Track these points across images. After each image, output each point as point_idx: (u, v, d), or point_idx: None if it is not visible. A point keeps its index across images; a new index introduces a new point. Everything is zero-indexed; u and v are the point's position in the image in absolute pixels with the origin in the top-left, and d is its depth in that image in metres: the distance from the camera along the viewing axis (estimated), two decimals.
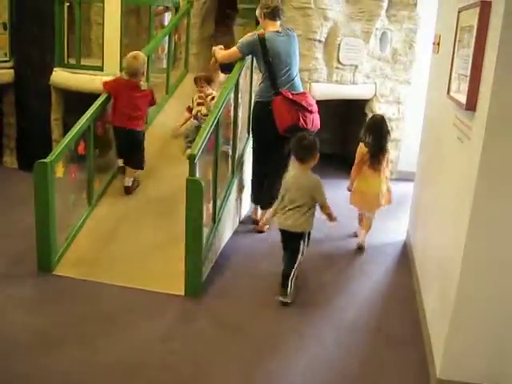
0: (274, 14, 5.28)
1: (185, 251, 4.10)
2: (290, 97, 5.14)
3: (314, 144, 4.20)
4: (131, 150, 5.36)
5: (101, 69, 6.77)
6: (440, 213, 3.82)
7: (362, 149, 5.17)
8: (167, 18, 8.07)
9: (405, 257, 5.17)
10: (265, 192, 5.54)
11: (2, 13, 7.48)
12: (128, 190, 5.36)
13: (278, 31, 5.26)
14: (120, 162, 5.58)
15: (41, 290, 4.22)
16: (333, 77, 6.96)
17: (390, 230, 5.83)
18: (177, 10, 7.12)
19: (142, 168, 5.49)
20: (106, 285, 4.23)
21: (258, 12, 5.39)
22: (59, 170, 4.40)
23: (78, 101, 6.51)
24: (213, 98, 5.67)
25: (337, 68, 6.97)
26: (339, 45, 6.89)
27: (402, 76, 7.61)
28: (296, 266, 4.22)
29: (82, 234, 4.82)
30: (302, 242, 4.25)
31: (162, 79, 6.73)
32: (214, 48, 5.66)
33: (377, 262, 5.06)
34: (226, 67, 5.49)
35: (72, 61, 7.12)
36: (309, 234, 4.36)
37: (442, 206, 3.78)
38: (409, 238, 5.40)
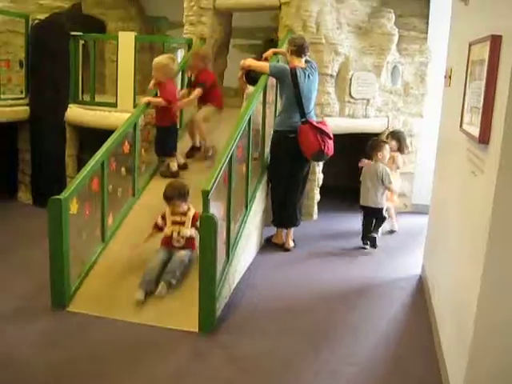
0: (299, 51, 5.70)
1: (198, 287, 4.07)
2: (317, 125, 5.67)
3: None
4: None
5: (115, 105, 6.86)
6: (455, 248, 3.78)
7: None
8: (180, 54, 8.19)
9: (420, 291, 5.10)
10: (290, 214, 5.96)
11: (18, 51, 7.64)
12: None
13: (304, 68, 5.69)
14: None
15: (55, 326, 4.19)
16: (345, 111, 7.00)
17: (406, 263, 5.77)
18: (189, 46, 7.20)
19: None
20: (119, 321, 4.20)
21: (285, 47, 5.94)
22: (73, 207, 4.41)
23: (92, 137, 6.59)
24: (195, 218, 4.65)
25: (349, 102, 7.01)
26: (351, 79, 6.95)
27: (414, 109, 7.63)
28: None
29: (95, 271, 4.81)
30: None
31: None
32: (242, 61, 5.98)
33: (392, 296, 4.99)
34: (252, 79, 5.88)
35: (86, 97, 7.24)
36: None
37: (457, 240, 3.73)
38: (424, 272, 5.34)
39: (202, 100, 6.28)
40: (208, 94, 6.23)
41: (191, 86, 6.38)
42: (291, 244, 6.08)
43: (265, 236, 6.19)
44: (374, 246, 6.04)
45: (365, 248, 6.08)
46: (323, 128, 5.69)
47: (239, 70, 6.04)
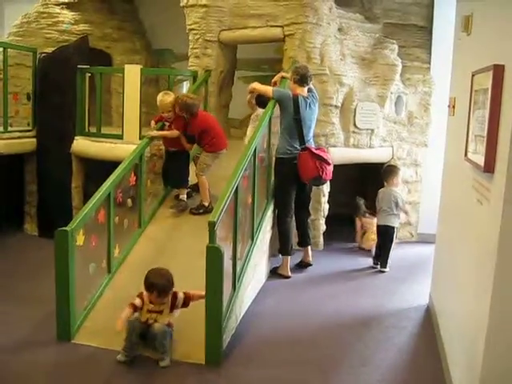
0: (302, 80, 5.91)
1: (205, 319, 4.04)
2: (315, 152, 5.87)
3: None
4: None
5: (121, 137, 6.91)
6: (462, 277, 3.75)
7: None
8: (185, 86, 8.26)
9: (428, 321, 5.06)
10: (303, 232, 6.31)
11: (26, 84, 7.72)
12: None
13: (305, 97, 5.91)
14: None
15: (60, 358, 4.17)
16: (350, 141, 7.03)
17: (412, 293, 5.74)
18: (195, 78, 7.27)
19: None
20: None
21: (289, 75, 6.09)
22: (79, 238, 4.42)
23: (98, 169, 6.63)
24: (175, 299, 4.24)
25: (353, 132, 7.05)
26: (355, 109, 7.00)
27: (419, 138, 7.66)
28: None
29: (100, 303, 4.80)
30: None
31: None
32: (251, 85, 6.24)
33: (400, 326, 4.95)
34: (262, 103, 6.18)
35: (93, 129, 7.29)
36: None
37: (463, 270, 3.71)
38: (431, 302, 5.30)
39: (198, 144, 6.18)
40: (201, 139, 6.03)
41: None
42: (310, 258, 6.40)
43: (271, 266, 6.17)
44: (384, 266, 6.32)
45: (375, 267, 6.43)
46: (322, 155, 5.88)
47: (248, 93, 6.31)
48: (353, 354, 4.40)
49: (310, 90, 6.03)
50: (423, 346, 4.59)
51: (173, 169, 6.09)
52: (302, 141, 5.88)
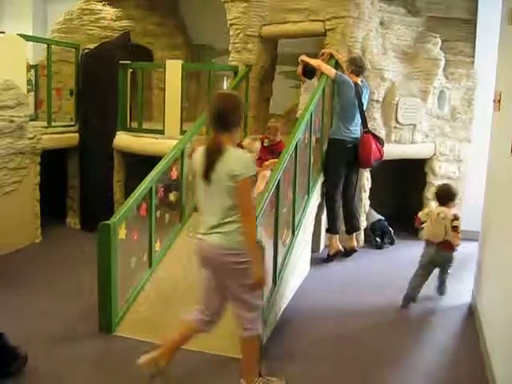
0: (359, 70, 6.26)
1: None
2: (376, 134, 6.39)
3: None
4: None
5: (162, 132, 6.96)
6: (508, 276, 3.68)
7: None
8: (226, 82, 8.29)
9: (471, 320, 4.97)
10: (351, 218, 6.50)
11: (69, 80, 7.83)
12: None
13: (361, 86, 6.25)
14: None
15: (102, 350, 4.24)
16: (391, 136, 6.95)
17: (454, 291, 5.63)
18: (235, 73, 7.28)
19: None
20: None
21: (345, 65, 6.37)
22: (122, 232, 4.47)
23: (139, 163, 6.69)
24: None
25: (395, 128, 6.97)
26: (397, 104, 6.91)
27: (462, 134, 7.52)
28: None
29: (141, 297, 4.85)
30: None
31: None
32: (302, 57, 6.60)
33: (442, 325, 4.89)
34: (308, 72, 6.58)
35: (134, 125, 7.35)
36: None
37: (510, 269, 3.64)
38: (474, 300, 5.21)
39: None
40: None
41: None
42: (355, 243, 6.60)
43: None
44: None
45: None
46: (380, 136, 6.44)
47: (300, 63, 6.64)
48: (393, 351, 4.35)
49: (362, 81, 6.31)
50: (465, 345, 4.52)
51: None
52: (365, 125, 6.26)
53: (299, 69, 6.69)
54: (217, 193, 3.22)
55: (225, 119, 3.25)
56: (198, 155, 3.34)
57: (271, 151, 6.20)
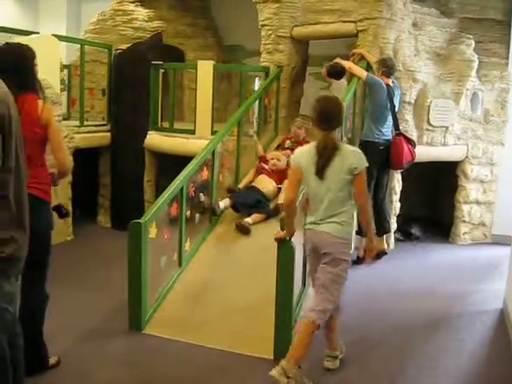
0: (389, 72, 6.21)
1: (274, 315, 4.03)
2: (408, 136, 6.35)
3: None
4: None
5: (193, 132, 7.00)
6: None
7: None
8: (257, 82, 8.31)
9: (503, 326, 4.88)
10: (381, 221, 6.41)
11: (101, 80, 7.93)
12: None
13: (393, 87, 6.22)
14: None
15: (131, 347, 4.26)
16: (423, 139, 6.90)
17: (486, 296, 5.56)
18: (267, 74, 7.28)
19: None
20: (193, 345, 4.21)
21: (375, 67, 6.34)
22: (152, 231, 4.50)
23: (169, 163, 6.73)
24: None
25: (427, 130, 6.91)
26: (429, 106, 6.85)
27: (495, 137, 7.42)
28: None
29: (171, 295, 4.87)
30: None
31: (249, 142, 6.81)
32: (337, 59, 6.58)
33: (472, 330, 4.81)
34: (334, 73, 6.61)
35: (165, 124, 7.41)
36: None
37: None
38: (506, 306, 5.13)
39: None
40: None
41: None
42: (386, 246, 6.56)
43: None
44: None
45: None
46: (412, 138, 6.39)
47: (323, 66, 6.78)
48: (421, 355, 4.29)
49: (393, 82, 6.27)
50: (496, 351, 4.43)
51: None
52: (397, 127, 6.25)
53: (324, 70, 6.69)
54: (332, 186, 3.54)
55: (334, 120, 3.64)
56: (303, 154, 3.66)
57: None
